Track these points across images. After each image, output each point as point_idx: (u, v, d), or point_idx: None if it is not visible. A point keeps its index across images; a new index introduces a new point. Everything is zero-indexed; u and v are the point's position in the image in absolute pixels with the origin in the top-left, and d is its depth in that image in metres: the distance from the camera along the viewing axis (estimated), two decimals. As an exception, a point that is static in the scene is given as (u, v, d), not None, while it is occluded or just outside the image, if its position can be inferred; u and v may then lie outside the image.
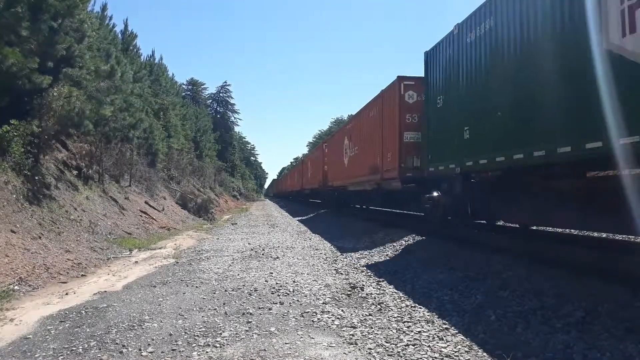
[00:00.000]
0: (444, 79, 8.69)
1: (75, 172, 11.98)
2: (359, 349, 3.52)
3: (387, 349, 3.52)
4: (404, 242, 9.28)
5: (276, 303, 4.90)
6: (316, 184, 26.19)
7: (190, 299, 5.09)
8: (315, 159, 28.01)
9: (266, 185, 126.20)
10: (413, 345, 3.61)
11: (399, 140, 10.83)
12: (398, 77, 11.10)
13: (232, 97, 67.33)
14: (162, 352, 3.45)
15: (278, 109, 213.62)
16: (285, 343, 3.64)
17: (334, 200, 22.41)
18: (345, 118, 62.36)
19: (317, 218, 20.77)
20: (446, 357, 3.38)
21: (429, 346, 3.58)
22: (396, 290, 5.55)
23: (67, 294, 5.46)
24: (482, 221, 8.97)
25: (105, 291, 5.57)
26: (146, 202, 15.69)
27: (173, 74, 33.98)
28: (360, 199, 18.57)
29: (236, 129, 69.32)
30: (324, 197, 26.10)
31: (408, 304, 4.91)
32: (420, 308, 4.73)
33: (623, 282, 4.51)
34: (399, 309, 4.68)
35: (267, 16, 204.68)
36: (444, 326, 4.11)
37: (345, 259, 8.13)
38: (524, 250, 6.47)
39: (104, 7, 18.30)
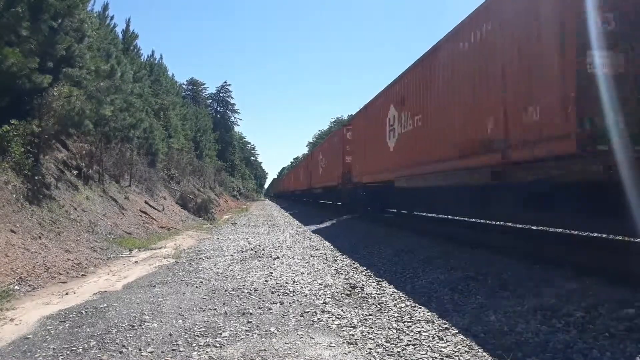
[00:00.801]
0: None
1: (75, 172, 11.98)
2: (359, 349, 3.52)
3: (387, 348, 3.52)
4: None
5: (276, 303, 4.91)
6: (333, 181, 19.80)
7: (190, 299, 5.09)
8: (330, 149, 21.44)
9: (266, 185, 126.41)
10: (413, 345, 3.61)
11: (574, 72, 4.49)
12: None
13: (232, 97, 67.56)
14: (162, 352, 3.45)
15: (278, 109, 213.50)
16: (285, 343, 3.64)
17: (365, 202, 15.82)
18: (345, 118, 56.21)
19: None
20: (446, 357, 3.38)
21: (429, 346, 3.58)
22: (396, 290, 5.54)
23: (67, 293, 5.46)
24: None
25: (105, 291, 5.57)
26: (146, 202, 15.69)
27: (173, 74, 34.15)
28: (425, 201, 10.94)
29: (236, 128, 69.60)
30: (349, 198, 18.08)
31: (408, 303, 4.91)
32: (420, 308, 4.73)
33: (623, 282, 4.51)
34: (399, 309, 4.68)
35: (267, 16, 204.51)
36: (444, 326, 4.12)
37: (345, 259, 8.10)
38: (524, 250, 6.47)
39: (105, 7, 18.41)
